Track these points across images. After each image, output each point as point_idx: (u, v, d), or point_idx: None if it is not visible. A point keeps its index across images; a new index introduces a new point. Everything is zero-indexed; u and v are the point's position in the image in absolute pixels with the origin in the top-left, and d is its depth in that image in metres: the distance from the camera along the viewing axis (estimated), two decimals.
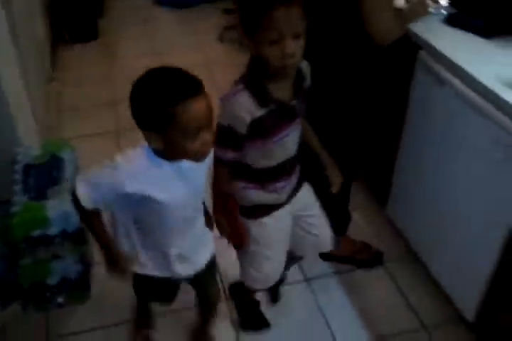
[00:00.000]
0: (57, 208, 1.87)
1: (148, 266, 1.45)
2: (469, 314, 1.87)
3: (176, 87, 1.16)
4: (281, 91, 1.40)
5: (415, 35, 1.76)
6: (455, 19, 1.79)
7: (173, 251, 1.42)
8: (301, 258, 2.03)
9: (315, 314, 2.02)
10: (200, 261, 1.52)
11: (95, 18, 3.99)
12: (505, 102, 1.45)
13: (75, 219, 1.85)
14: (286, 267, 1.87)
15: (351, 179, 2.08)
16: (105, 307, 2.04)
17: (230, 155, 1.46)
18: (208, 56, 3.81)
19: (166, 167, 1.27)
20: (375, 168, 2.32)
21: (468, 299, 1.86)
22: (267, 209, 1.60)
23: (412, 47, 1.79)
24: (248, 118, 1.37)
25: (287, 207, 1.64)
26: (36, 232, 1.85)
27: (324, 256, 2.20)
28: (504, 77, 1.53)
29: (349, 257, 2.20)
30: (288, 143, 1.50)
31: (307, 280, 2.15)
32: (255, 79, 1.37)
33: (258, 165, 1.51)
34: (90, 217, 1.37)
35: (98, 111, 3.20)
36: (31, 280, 1.95)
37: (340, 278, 2.16)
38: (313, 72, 1.51)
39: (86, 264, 2.04)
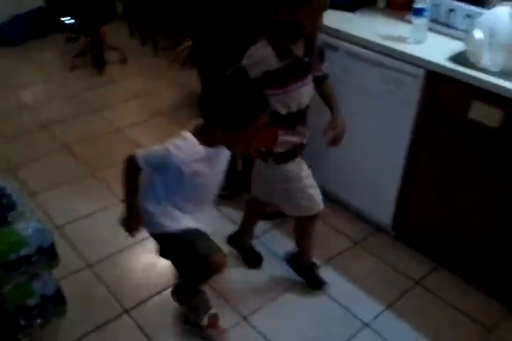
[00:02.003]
0: (27, 228, 1.89)
1: (182, 220, 1.78)
2: (386, 224, 2.45)
3: (262, 104, 1.54)
4: (297, 49, 1.77)
5: None
6: None
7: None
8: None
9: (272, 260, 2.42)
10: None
11: None
12: (389, 48, 2.01)
13: (48, 233, 1.94)
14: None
15: None
16: (86, 313, 2.16)
17: None
18: (65, 86, 3.86)
19: (212, 151, 1.63)
20: None
21: (383, 213, 2.41)
22: (294, 154, 1.96)
23: None
24: (265, 68, 1.72)
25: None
26: (13, 256, 1.85)
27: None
28: (380, 33, 2.10)
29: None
30: (300, 95, 1.83)
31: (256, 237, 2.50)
32: (278, 37, 1.73)
33: (282, 111, 1.82)
34: (135, 174, 1.68)
35: None
36: (13, 305, 1.93)
37: (284, 227, 2.56)
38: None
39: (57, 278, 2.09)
